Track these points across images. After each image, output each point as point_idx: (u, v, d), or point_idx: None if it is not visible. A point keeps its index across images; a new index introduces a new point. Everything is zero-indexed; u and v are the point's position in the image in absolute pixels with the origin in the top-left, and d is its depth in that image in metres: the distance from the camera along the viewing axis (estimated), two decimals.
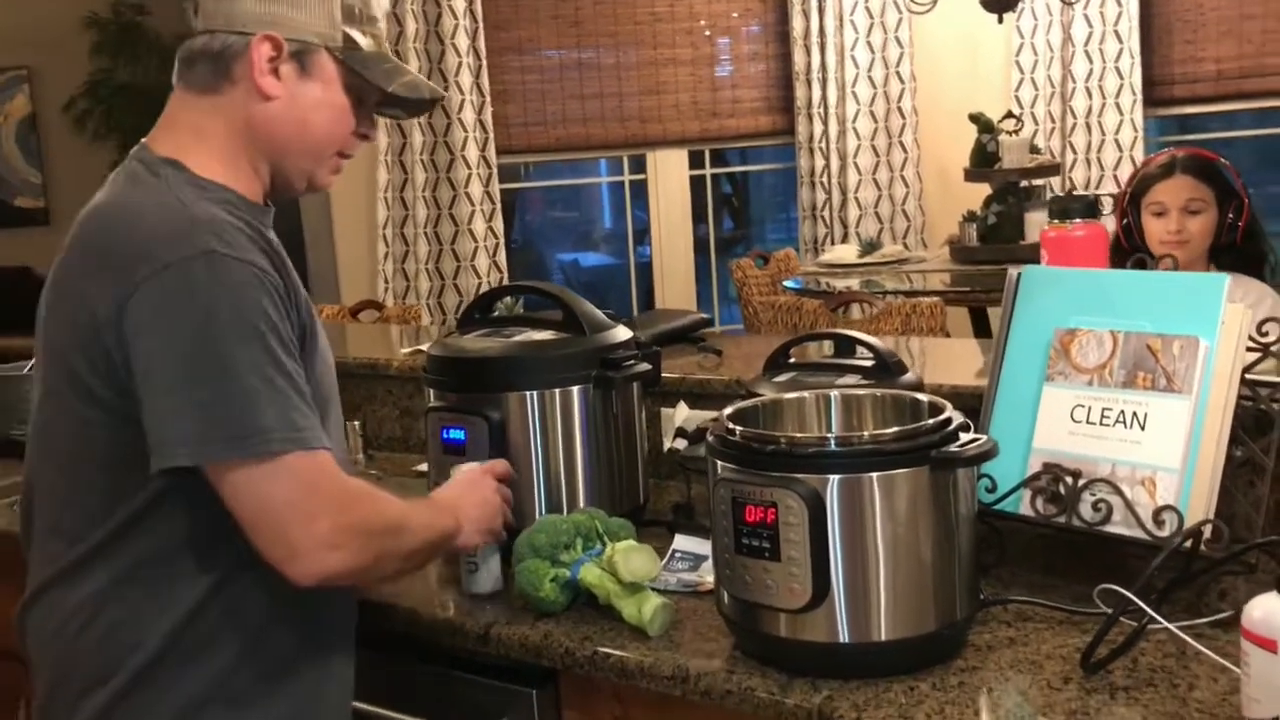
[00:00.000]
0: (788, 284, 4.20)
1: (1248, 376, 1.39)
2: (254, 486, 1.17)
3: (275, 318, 1.20)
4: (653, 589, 1.43)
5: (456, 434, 1.66)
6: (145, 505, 1.23)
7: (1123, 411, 1.38)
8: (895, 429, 1.25)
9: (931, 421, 1.26)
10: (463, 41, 4.58)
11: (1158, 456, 1.35)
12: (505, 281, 4.78)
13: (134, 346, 1.17)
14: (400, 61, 1.37)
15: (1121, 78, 4.78)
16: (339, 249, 4.73)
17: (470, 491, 1.47)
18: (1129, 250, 2.27)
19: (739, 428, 1.27)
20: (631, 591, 1.40)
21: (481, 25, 4.63)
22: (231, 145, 1.29)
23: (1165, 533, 1.31)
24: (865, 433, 1.33)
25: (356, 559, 1.22)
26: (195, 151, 1.28)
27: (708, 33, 5.09)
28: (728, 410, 1.34)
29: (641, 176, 5.19)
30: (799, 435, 1.32)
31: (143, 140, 1.31)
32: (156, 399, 1.17)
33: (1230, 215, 2.30)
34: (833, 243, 5.05)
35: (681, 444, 1.83)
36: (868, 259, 4.44)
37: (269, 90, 1.27)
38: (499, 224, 4.77)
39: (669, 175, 5.15)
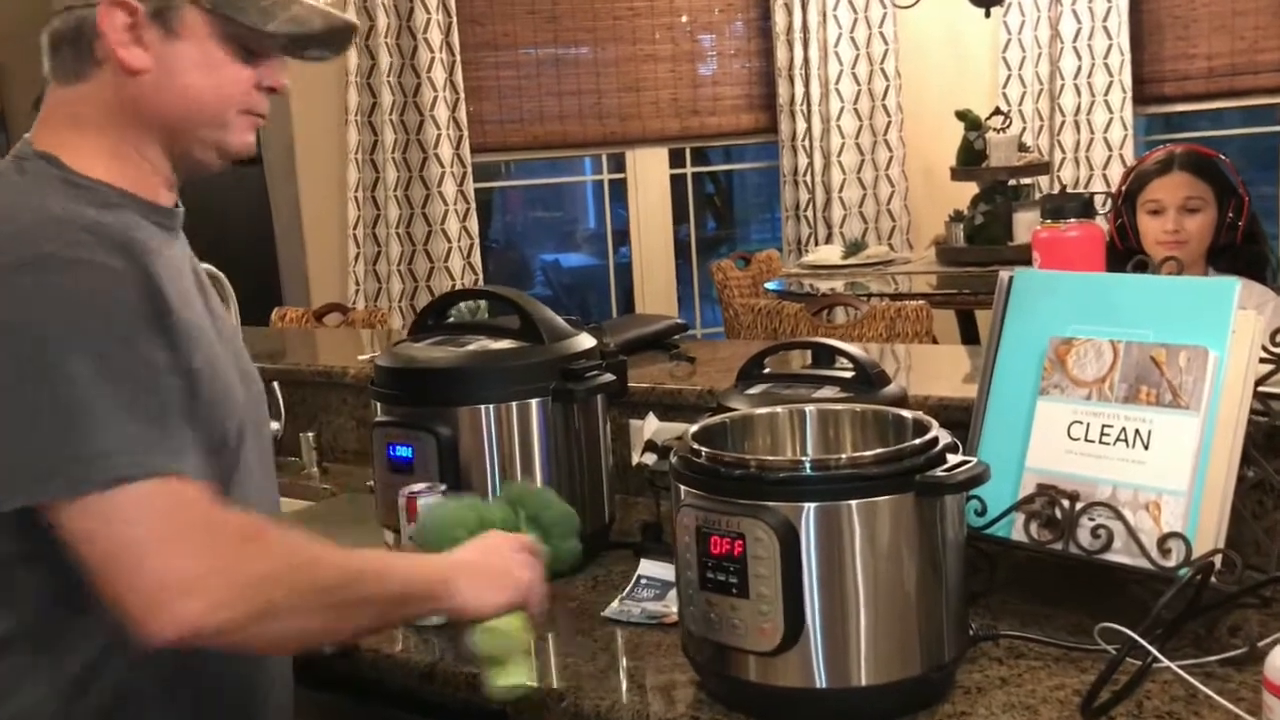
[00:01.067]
0: (769, 286, 4.09)
1: (1260, 390, 1.27)
2: (93, 524, 0.97)
3: (129, 320, 1.01)
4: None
5: (404, 451, 1.54)
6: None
7: (1124, 429, 1.27)
8: (876, 451, 1.13)
9: (916, 442, 1.14)
10: (435, 37, 4.45)
11: (1163, 478, 1.23)
12: (481, 283, 4.66)
13: None
14: None
15: (1111, 75, 4.69)
16: (308, 250, 4.59)
17: (486, 553, 1.20)
18: (1124, 252, 2.17)
19: (704, 448, 1.15)
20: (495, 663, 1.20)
21: (455, 20, 4.50)
22: (112, 134, 1.13)
23: (1171, 562, 1.19)
24: (843, 455, 1.21)
25: (229, 611, 0.98)
26: (73, 145, 1.13)
27: (688, 28, 4.97)
28: (693, 428, 1.22)
29: (621, 176, 5.07)
30: (770, 458, 1.20)
31: (26, 134, 1.17)
32: None
33: (1230, 214, 2.19)
34: (816, 243, 4.95)
35: (651, 459, 1.72)
36: (852, 260, 4.34)
37: (134, 63, 1.11)
38: (474, 224, 4.64)
39: (649, 174, 5.03)
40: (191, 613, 0.96)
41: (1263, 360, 1.27)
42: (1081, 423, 1.30)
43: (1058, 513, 1.28)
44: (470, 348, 1.60)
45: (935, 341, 3.31)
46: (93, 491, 0.96)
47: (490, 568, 1.16)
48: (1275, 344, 1.28)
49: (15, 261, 1.00)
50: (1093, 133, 4.76)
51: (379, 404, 1.60)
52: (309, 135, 4.49)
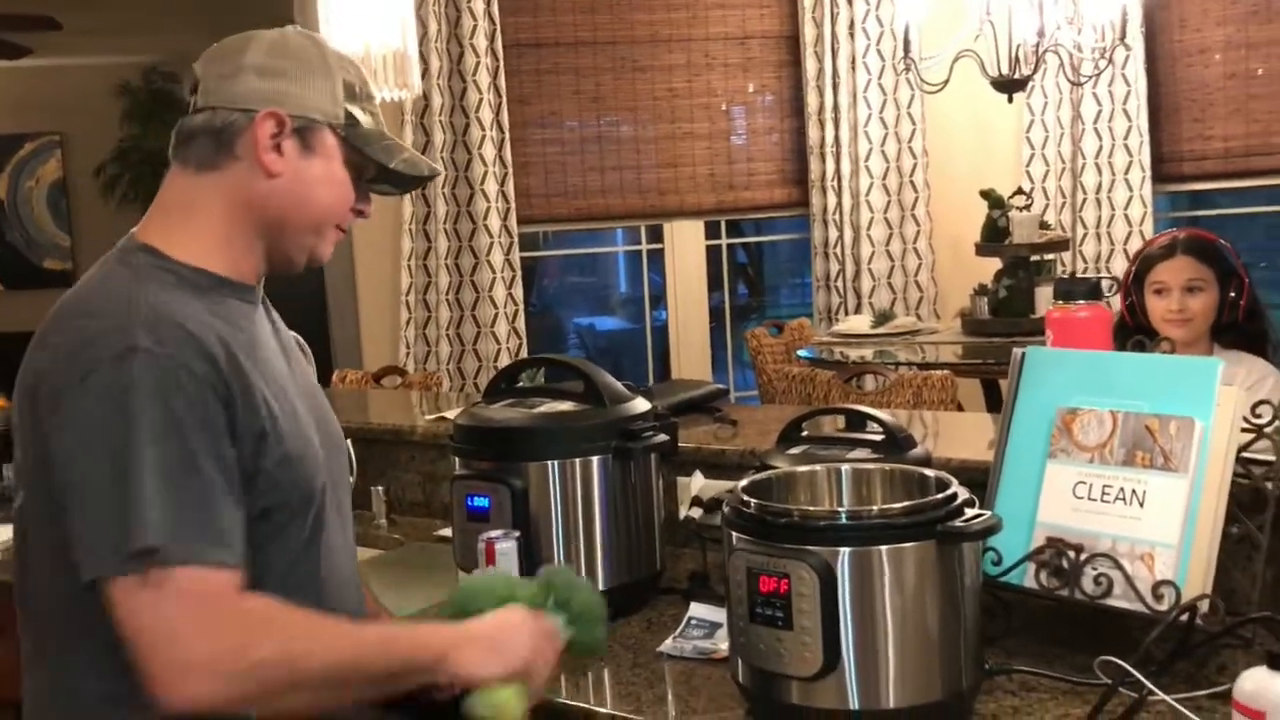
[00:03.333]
0: (801, 353, 4.27)
1: (1243, 455, 1.44)
2: (129, 603, 1.10)
3: (198, 416, 1.14)
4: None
5: (481, 501, 1.72)
6: (68, 610, 1.19)
7: (1122, 489, 1.44)
8: (903, 504, 1.31)
9: (938, 497, 1.31)
10: (486, 115, 4.72)
11: (1156, 533, 1.40)
12: (524, 347, 4.87)
13: (56, 453, 1.14)
14: (396, 139, 1.38)
15: (1130, 154, 4.88)
16: (362, 315, 4.82)
17: (499, 626, 1.28)
18: (1133, 328, 2.34)
19: (754, 500, 1.33)
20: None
21: (505, 100, 4.77)
22: (226, 223, 1.28)
23: (1164, 606, 1.36)
24: (875, 507, 1.39)
25: (237, 689, 1.11)
26: (181, 233, 1.27)
27: (725, 108, 5.22)
28: (743, 483, 1.40)
29: (659, 246, 5.29)
30: (811, 509, 1.38)
31: (133, 229, 1.30)
32: (69, 509, 1.13)
33: (1231, 294, 2.36)
34: (846, 313, 5.12)
35: (697, 513, 1.89)
36: (880, 330, 4.51)
37: (272, 167, 1.26)
38: (519, 291, 4.87)
39: (685, 245, 5.25)
40: (202, 690, 1.10)
41: (1244, 429, 1.43)
42: (1085, 483, 1.47)
43: (1064, 563, 1.45)
44: (539, 410, 1.78)
45: (960, 409, 3.47)
46: (132, 576, 1.10)
47: (497, 639, 1.25)
48: (1255, 415, 1.45)
49: (112, 354, 1.14)
50: (1113, 209, 4.94)
51: (458, 459, 1.78)
52: None
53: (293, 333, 1.63)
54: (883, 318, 4.64)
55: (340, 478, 1.39)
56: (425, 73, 4.55)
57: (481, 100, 4.70)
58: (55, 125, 7.78)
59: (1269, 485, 1.43)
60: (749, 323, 5.56)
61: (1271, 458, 1.45)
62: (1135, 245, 4.74)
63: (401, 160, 1.34)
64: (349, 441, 2.36)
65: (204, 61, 1.31)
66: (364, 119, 1.32)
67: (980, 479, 1.59)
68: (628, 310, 7.22)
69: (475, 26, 4.66)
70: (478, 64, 4.68)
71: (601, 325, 7.88)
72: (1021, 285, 4.16)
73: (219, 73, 1.28)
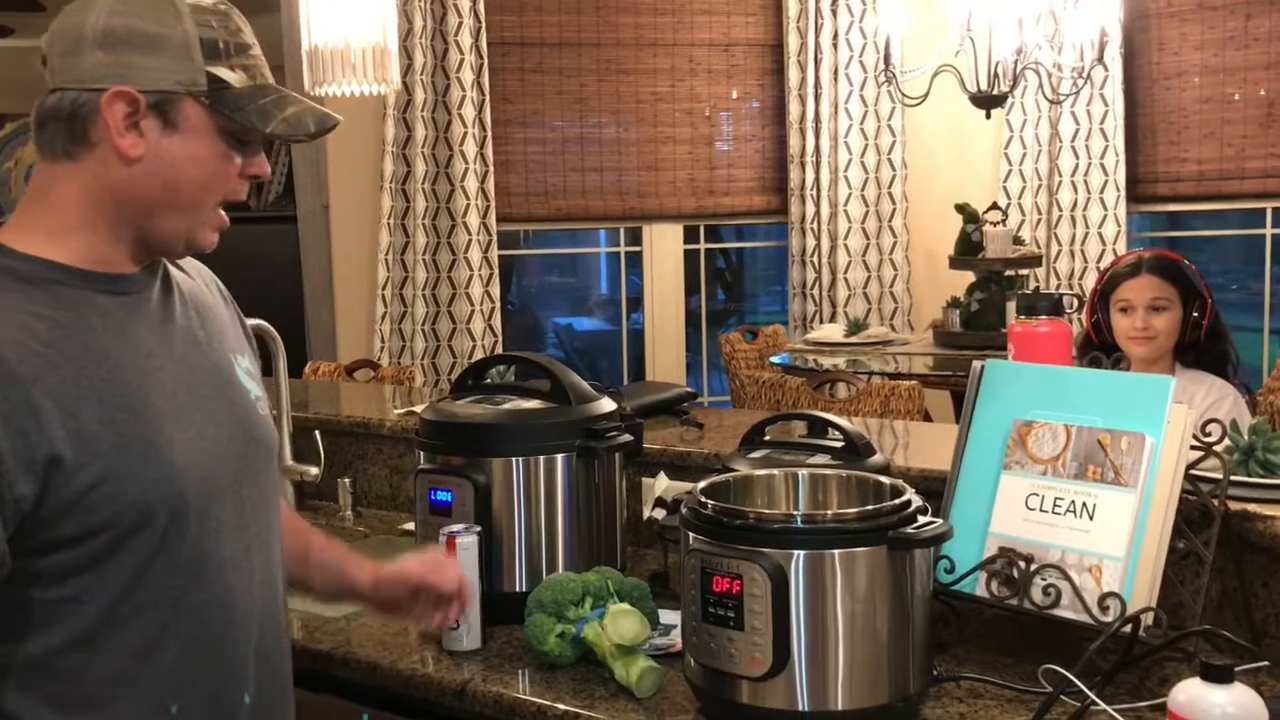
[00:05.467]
0: (774, 360, 4.30)
1: (1191, 473, 1.47)
2: None
3: None
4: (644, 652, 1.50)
5: (444, 495, 1.73)
6: None
7: (1074, 501, 1.46)
8: (857, 509, 1.33)
9: (892, 503, 1.34)
10: (469, 112, 4.72)
11: (1104, 545, 1.43)
12: (499, 345, 4.88)
13: None
14: (284, 90, 1.21)
15: (1106, 174, 4.93)
16: (338, 308, 4.82)
17: None
18: (1098, 345, 2.37)
19: (711, 501, 1.35)
20: (623, 653, 1.47)
21: (488, 98, 4.78)
22: (83, 212, 1.15)
23: (1109, 618, 1.38)
24: (829, 512, 1.41)
25: None
26: (33, 223, 1.15)
27: (707, 114, 5.24)
28: (701, 485, 1.42)
29: (637, 248, 5.31)
30: (766, 511, 1.40)
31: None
32: None
33: (1195, 314, 2.40)
34: (821, 321, 5.16)
35: (660, 513, 1.91)
36: (853, 339, 4.55)
37: (129, 152, 1.13)
38: (496, 289, 4.88)
39: (664, 248, 5.28)
40: None
41: (1193, 448, 1.46)
42: (1038, 495, 1.50)
43: (1015, 573, 1.47)
44: (505, 406, 1.80)
45: (928, 418, 3.51)
46: None
47: None
48: (1205, 434, 1.48)
49: None
50: (1088, 228, 4.99)
51: (423, 453, 1.79)
52: (344, 199, 4.74)
53: (257, 320, 1.61)
54: (856, 327, 4.67)
55: (247, 475, 1.24)
56: (409, 68, 4.56)
57: (464, 97, 4.70)
58: (31, 107, 7.73)
59: (1216, 502, 1.46)
60: (725, 328, 5.58)
61: (1219, 475, 1.48)
62: (1107, 264, 4.79)
63: (281, 122, 1.17)
64: (316, 432, 2.41)
65: (49, 35, 1.17)
66: (234, 77, 1.16)
67: (938, 488, 1.62)
68: (606, 312, 7.24)
69: (460, 24, 4.67)
70: (462, 61, 4.69)
71: (580, 326, 7.89)
72: (993, 299, 4.20)
73: (62, 48, 1.14)
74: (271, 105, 1.18)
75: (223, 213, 1.21)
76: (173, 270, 1.26)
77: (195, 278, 1.32)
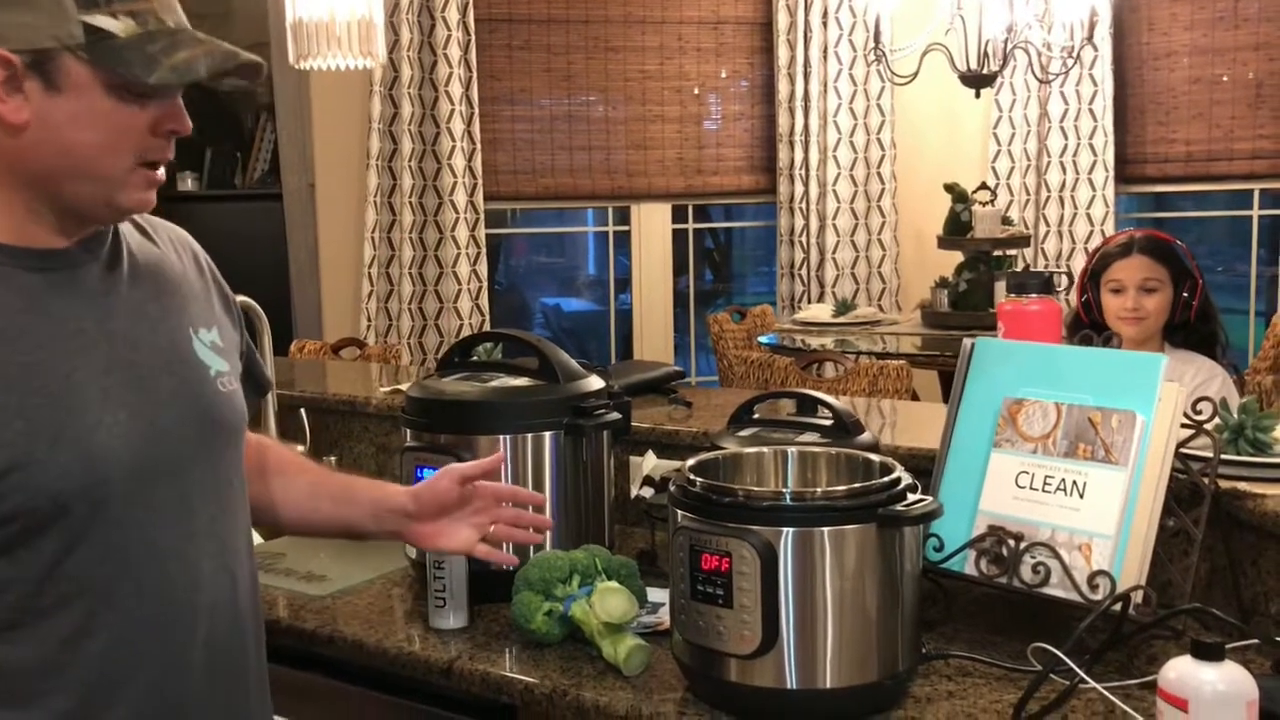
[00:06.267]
0: (762, 340, 4.29)
1: (1182, 451, 1.47)
2: None
3: None
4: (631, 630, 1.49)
5: (430, 473, 1.71)
6: None
7: (1064, 479, 1.46)
8: (846, 487, 1.32)
9: (881, 481, 1.33)
10: (456, 90, 4.69)
11: (1094, 523, 1.42)
12: (486, 324, 4.86)
13: None
14: (182, 31, 1.10)
15: (1095, 154, 4.93)
16: (324, 286, 4.79)
17: None
18: (1088, 324, 2.37)
19: (699, 479, 1.34)
20: (610, 631, 1.46)
21: (475, 75, 4.74)
22: None
23: (1099, 596, 1.38)
24: (818, 490, 1.40)
25: None
26: None
27: (696, 92, 5.22)
28: (690, 462, 1.41)
29: (625, 228, 5.29)
30: (755, 489, 1.39)
31: None
32: None
33: (1185, 294, 2.40)
34: (809, 301, 5.16)
35: (648, 492, 1.90)
36: (841, 319, 4.54)
37: (12, 119, 1.05)
38: (483, 268, 4.85)
39: (652, 228, 5.26)
40: None
41: (1184, 425, 1.46)
42: (1028, 473, 1.49)
43: (1004, 551, 1.47)
44: (492, 384, 1.78)
45: (916, 398, 3.51)
46: None
47: None
48: (1196, 412, 1.48)
49: None
50: (1076, 208, 4.99)
51: (409, 431, 1.78)
52: (330, 177, 4.71)
53: (243, 298, 1.58)
54: (844, 307, 4.67)
55: (196, 457, 1.17)
56: (395, 44, 4.52)
57: (451, 74, 4.67)
58: None
59: (1206, 481, 1.46)
60: (714, 307, 5.58)
61: (1209, 454, 1.48)
62: (1096, 244, 4.79)
63: (168, 70, 1.06)
64: (302, 410, 2.39)
65: None
66: (117, 25, 1.06)
67: (927, 466, 1.61)
68: (594, 292, 7.23)
69: (447, 0, 4.63)
70: (449, 37, 4.65)
71: (567, 306, 7.87)
72: (981, 279, 4.20)
73: None
74: (160, 52, 1.07)
75: (150, 171, 1.12)
76: (130, 240, 1.21)
77: (164, 245, 1.25)
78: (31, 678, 1.08)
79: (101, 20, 1.05)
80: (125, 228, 1.21)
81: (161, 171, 1.13)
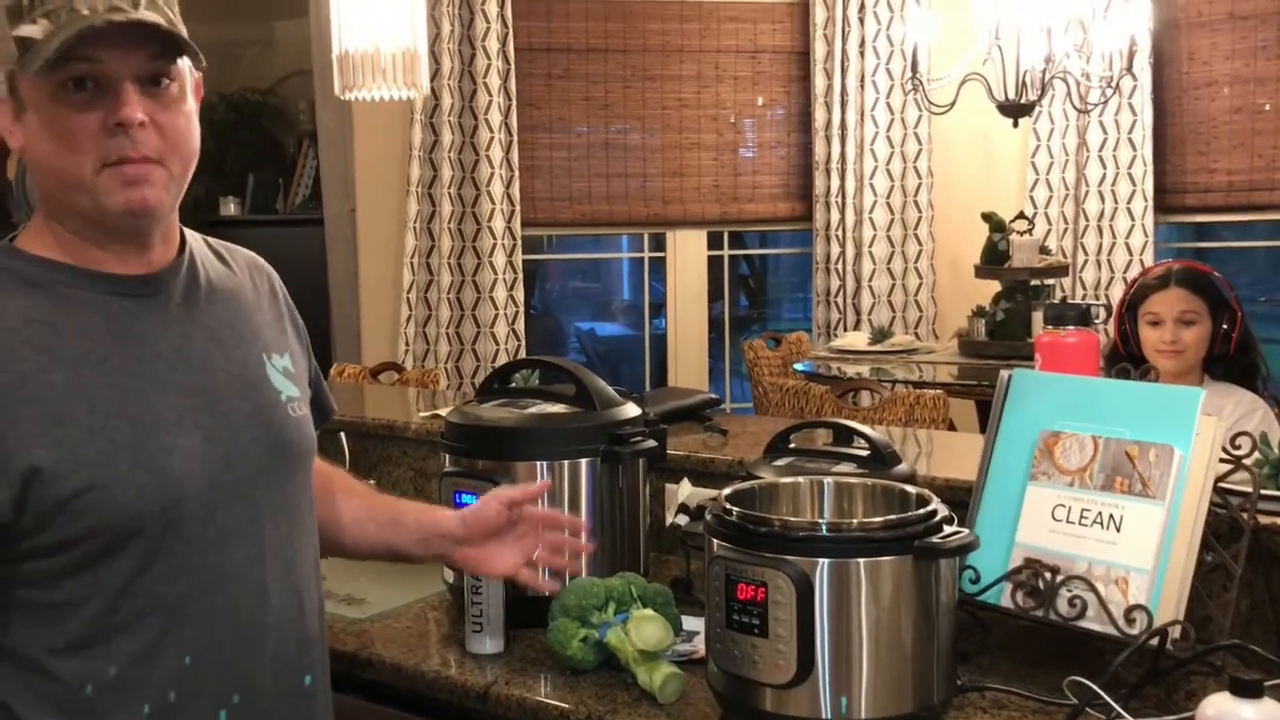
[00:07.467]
0: (798, 367, 4.29)
1: (1220, 486, 1.46)
2: None
3: None
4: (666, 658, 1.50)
5: (469, 498, 1.73)
6: None
7: (1100, 513, 1.46)
8: (882, 518, 1.32)
9: (918, 513, 1.33)
10: (495, 117, 4.74)
11: (1131, 558, 1.42)
12: (522, 349, 4.90)
13: None
14: (99, 11, 1.05)
15: (1134, 184, 4.90)
16: (363, 310, 4.85)
17: None
18: (1125, 357, 2.36)
19: (736, 508, 1.35)
20: (646, 659, 1.47)
21: (514, 103, 4.80)
22: (42, 210, 1.15)
23: (1135, 630, 1.37)
24: (854, 520, 1.41)
25: None
26: (45, 225, 1.15)
27: (732, 120, 5.25)
28: (726, 491, 1.42)
29: (661, 254, 5.32)
30: (792, 519, 1.40)
31: None
32: None
33: (1224, 326, 2.38)
34: (845, 328, 5.15)
35: (683, 520, 1.91)
36: (878, 347, 4.53)
37: (13, 144, 1.11)
38: (520, 293, 4.89)
39: (688, 254, 5.28)
40: None
41: (1223, 460, 1.45)
42: (1064, 506, 1.49)
43: (1040, 584, 1.47)
44: (530, 410, 1.80)
45: (953, 427, 3.49)
46: None
47: None
48: (1235, 447, 1.47)
49: None
50: (1115, 238, 4.96)
51: (448, 456, 1.80)
52: (370, 202, 4.77)
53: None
54: (880, 335, 4.66)
55: (267, 480, 1.19)
56: (436, 73, 4.58)
57: (491, 102, 4.72)
58: None
59: (1245, 516, 1.45)
60: (748, 334, 5.59)
61: (1249, 489, 1.47)
62: (1135, 274, 4.75)
63: (52, 48, 1.03)
64: (341, 434, 2.42)
65: None
66: (36, 30, 1.05)
67: (964, 498, 1.61)
68: (629, 317, 7.25)
69: (488, 29, 4.69)
70: (489, 66, 4.71)
71: (602, 331, 7.90)
72: (1019, 309, 4.18)
73: None
74: (45, 39, 1.05)
75: (122, 169, 1.09)
76: (208, 265, 1.24)
77: (240, 271, 1.28)
78: (105, 693, 1.11)
79: (26, 30, 1.05)
80: (203, 253, 1.25)
81: (140, 168, 1.10)
